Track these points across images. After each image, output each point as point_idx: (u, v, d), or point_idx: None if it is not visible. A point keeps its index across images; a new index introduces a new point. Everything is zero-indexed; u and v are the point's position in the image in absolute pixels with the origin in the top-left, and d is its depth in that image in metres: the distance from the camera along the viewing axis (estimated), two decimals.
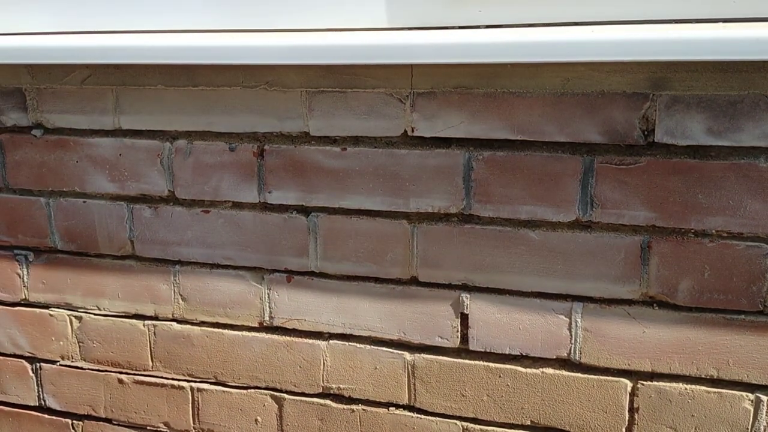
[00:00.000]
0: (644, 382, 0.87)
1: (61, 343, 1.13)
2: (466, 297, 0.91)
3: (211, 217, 0.99)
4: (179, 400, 1.08)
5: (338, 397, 1.00)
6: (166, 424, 1.10)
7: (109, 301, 1.08)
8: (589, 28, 0.75)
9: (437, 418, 0.96)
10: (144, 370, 1.09)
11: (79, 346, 1.12)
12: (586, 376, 0.89)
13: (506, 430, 0.93)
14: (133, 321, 1.08)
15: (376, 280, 0.94)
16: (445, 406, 0.95)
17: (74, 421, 1.15)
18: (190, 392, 1.07)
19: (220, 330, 1.04)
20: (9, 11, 1.03)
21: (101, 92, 0.99)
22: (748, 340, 0.82)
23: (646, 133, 0.79)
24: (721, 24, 0.72)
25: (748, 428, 0.84)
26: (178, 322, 1.06)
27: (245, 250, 0.99)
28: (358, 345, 0.97)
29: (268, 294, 1.00)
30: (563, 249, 0.85)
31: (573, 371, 0.89)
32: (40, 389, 1.17)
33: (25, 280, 1.12)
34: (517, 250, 0.87)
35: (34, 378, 1.16)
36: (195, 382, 1.07)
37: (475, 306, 0.91)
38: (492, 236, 0.88)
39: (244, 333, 1.02)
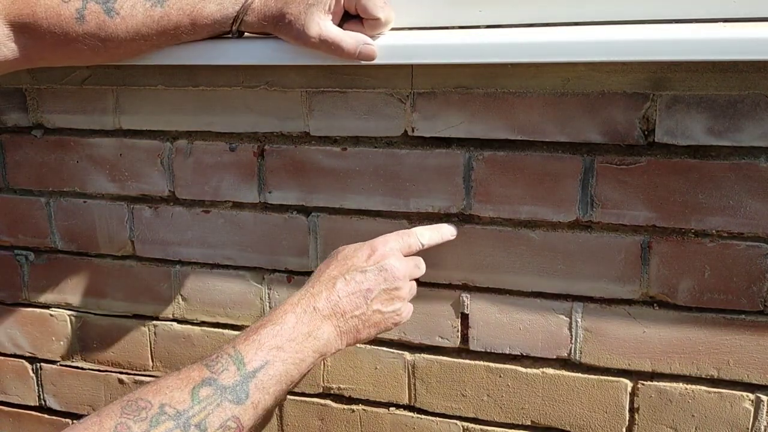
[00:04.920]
0: (644, 382, 0.87)
1: (62, 343, 1.13)
2: (466, 297, 0.91)
3: (211, 217, 0.99)
4: None
5: (338, 397, 1.01)
6: None
7: (109, 301, 1.08)
8: (589, 28, 0.75)
9: (437, 418, 0.96)
10: (144, 370, 1.09)
11: (80, 346, 1.12)
12: (586, 376, 0.89)
13: (507, 430, 0.93)
14: (134, 321, 1.08)
15: None
16: (446, 406, 0.95)
17: (74, 422, 1.15)
18: None
19: (220, 330, 1.04)
20: None
21: (101, 92, 0.99)
22: (748, 340, 0.82)
23: (646, 133, 0.79)
24: (721, 24, 0.72)
25: (748, 428, 0.84)
26: (179, 322, 1.06)
27: (245, 250, 0.99)
28: (358, 345, 0.97)
29: (268, 294, 1.00)
30: (563, 249, 0.85)
31: (573, 371, 0.89)
32: (40, 389, 1.17)
33: (25, 280, 1.12)
34: (518, 250, 0.87)
35: (34, 378, 1.16)
36: None
37: (476, 306, 0.91)
38: (492, 236, 0.88)
39: None
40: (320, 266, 0.78)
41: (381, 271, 0.75)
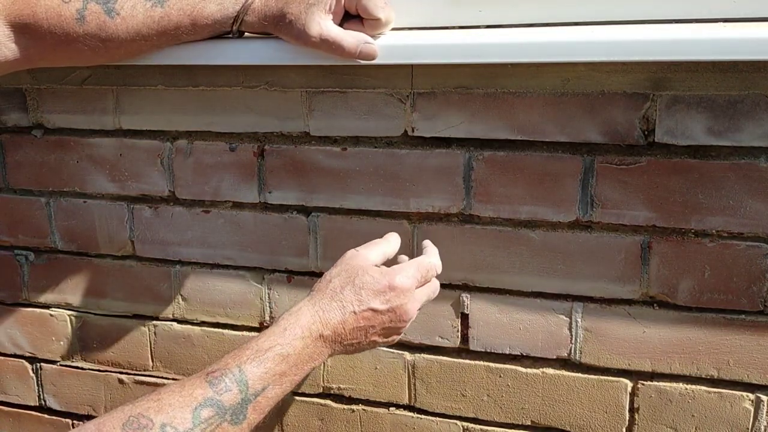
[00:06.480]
0: (644, 382, 0.87)
1: (62, 343, 1.13)
2: (466, 297, 0.91)
3: (211, 218, 0.99)
4: None
5: (338, 397, 1.00)
6: None
7: (109, 301, 1.08)
8: (589, 28, 0.75)
9: (437, 418, 0.96)
10: (144, 370, 1.09)
11: (80, 346, 1.12)
12: (586, 376, 0.89)
13: (507, 430, 0.93)
14: (134, 321, 1.08)
15: None
16: (446, 406, 0.95)
17: (74, 421, 1.15)
18: None
19: (220, 330, 1.04)
20: None
21: (101, 92, 0.99)
22: (748, 340, 0.82)
23: (646, 133, 0.79)
24: (721, 24, 0.72)
25: (748, 428, 0.84)
26: (179, 322, 1.06)
27: (245, 250, 0.99)
28: None
29: (268, 294, 1.00)
30: (563, 249, 0.85)
31: (573, 371, 0.89)
32: (40, 389, 1.17)
33: (25, 280, 1.12)
34: (518, 250, 0.87)
35: (34, 378, 1.16)
36: None
37: (476, 306, 0.91)
38: (492, 236, 0.88)
39: (245, 333, 1.02)
40: (334, 281, 0.74)
41: (391, 313, 0.75)
